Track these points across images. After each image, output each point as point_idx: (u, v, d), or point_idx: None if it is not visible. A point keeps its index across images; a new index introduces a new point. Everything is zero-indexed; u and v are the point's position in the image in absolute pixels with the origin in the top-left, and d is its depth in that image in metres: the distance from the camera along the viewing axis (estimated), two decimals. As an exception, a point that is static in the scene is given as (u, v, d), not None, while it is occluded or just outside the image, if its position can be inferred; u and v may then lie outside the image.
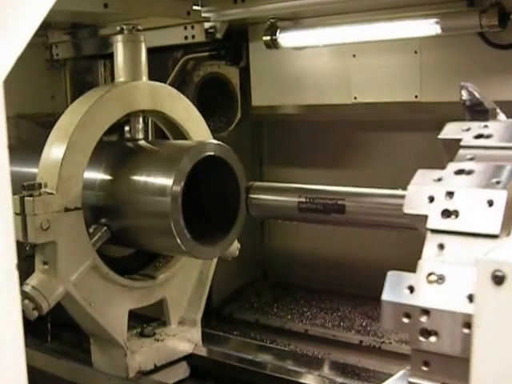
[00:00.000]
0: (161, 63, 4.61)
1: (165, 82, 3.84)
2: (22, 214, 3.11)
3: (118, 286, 3.46)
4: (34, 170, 3.31)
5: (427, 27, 3.69)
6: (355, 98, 4.18)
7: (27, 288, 3.14)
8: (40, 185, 3.14)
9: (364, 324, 4.70)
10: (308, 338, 4.66)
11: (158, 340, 3.67)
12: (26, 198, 3.08)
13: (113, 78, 3.81)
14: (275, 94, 4.47)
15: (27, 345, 1.23)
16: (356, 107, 4.19)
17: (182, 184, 3.16)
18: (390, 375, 1.79)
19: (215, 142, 3.38)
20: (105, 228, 3.39)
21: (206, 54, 4.57)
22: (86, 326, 3.47)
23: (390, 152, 4.67)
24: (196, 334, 3.85)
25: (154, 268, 3.72)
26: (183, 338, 3.78)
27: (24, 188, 3.11)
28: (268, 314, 4.94)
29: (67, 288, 3.21)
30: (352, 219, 3.25)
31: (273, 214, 3.60)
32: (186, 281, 3.81)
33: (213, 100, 4.69)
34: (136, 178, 3.34)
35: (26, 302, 3.13)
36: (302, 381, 3.54)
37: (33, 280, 3.17)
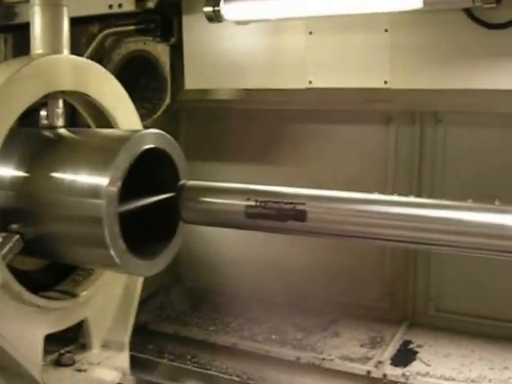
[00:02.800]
0: (72, 39, 3.84)
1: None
2: None
3: (33, 307, 2.71)
4: None
5: (402, 0, 3.05)
6: (310, 82, 3.53)
7: None
8: None
9: (298, 337, 4.11)
10: (236, 353, 4.02)
11: (79, 370, 2.93)
12: None
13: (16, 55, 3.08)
14: (213, 76, 3.75)
15: None
16: (309, 93, 3.54)
17: (120, 184, 2.47)
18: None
19: (155, 130, 2.67)
20: (17, 236, 2.64)
21: (131, 27, 3.80)
22: (-4, 357, 2.72)
23: (332, 147, 4.08)
24: (123, 359, 3.13)
25: (74, 283, 2.97)
26: (109, 366, 3.05)
27: None
28: (188, 325, 4.25)
29: (-30, 315, 2.47)
30: (314, 228, 2.53)
31: (212, 220, 2.78)
32: (110, 297, 3.09)
33: (135, 82, 3.95)
34: (59, 175, 2.59)
35: None
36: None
37: None
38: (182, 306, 4.44)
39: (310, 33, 3.52)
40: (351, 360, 3.85)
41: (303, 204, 2.48)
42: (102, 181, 2.45)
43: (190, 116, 4.37)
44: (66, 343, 3.13)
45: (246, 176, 4.27)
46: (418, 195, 4.04)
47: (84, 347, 3.09)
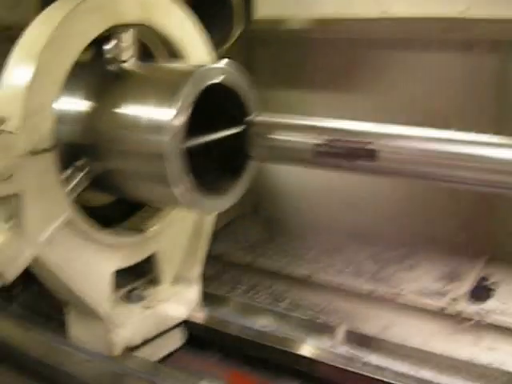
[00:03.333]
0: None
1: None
2: (-25, 158, 2.26)
3: (100, 244, 2.63)
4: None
5: None
6: (384, 12, 3.29)
7: (-15, 253, 2.31)
8: (-2, 122, 2.28)
9: (373, 270, 3.96)
10: (310, 285, 3.90)
11: (148, 307, 2.85)
12: (-19, 140, 2.23)
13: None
14: (285, 4, 3.53)
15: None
16: (385, 22, 3.30)
17: (184, 119, 2.33)
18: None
19: (223, 64, 2.51)
20: (83, 172, 2.55)
21: None
22: (60, 294, 2.65)
23: (406, 75, 3.84)
24: (193, 294, 3.05)
25: (142, 218, 2.87)
26: (178, 302, 2.97)
27: (-22, 126, 2.25)
28: (263, 256, 4.14)
29: (36, 252, 2.39)
30: (384, 168, 2.34)
31: (280, 156, 2.59)
32: (180, 231, 2.98)
33: (205, 10, 3.75)
34: (122, 110, 2.47)
35: (-15, 269, 2.31)
36: (310, 356, 2.80)
37: (-8, 242, 2.33)
38: (258, 236, 4.32)
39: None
40: (425, 295, 3.69)
41: (373, 143, 2.30)
42: (164, 116, 2.33)
43: (263, 44, 4.17)
44: (136, 277, 3.06)
45: (321, 105, 4.11)
46: (498, 130, 3.83)
47: (153, 282, 3.01)
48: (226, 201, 2.58)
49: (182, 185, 2.36)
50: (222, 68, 2.48)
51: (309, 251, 4.12)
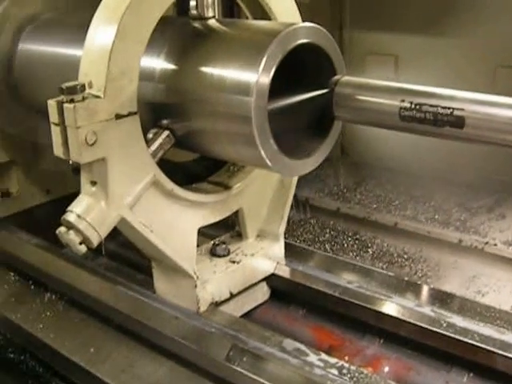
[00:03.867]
0: None
1: None
2: (61, 124, 2.21)
3: (185, 202, 2.58)
4: (79, 53, 2.38)
5: None
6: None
7: (71, 217, 2.28)
8: (83, 86, 2.22)
9: (462, 218, 3.82)
10: (397, 232, 3.79)
11: (233, 262, 2.81)
12: (66, 105, 2.17)
13: None
14: None
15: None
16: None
17: (269, 80, 2.22)
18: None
19: (309, 24, 2.37)
20: (167, 132, 2.48)
21: None
22: (146, 252, 2.63)
23: (500, 18, 3.62)
24: (278, 249, 2.99)
25: (228, 174, 2.81)
26: (263, 257, 2.91)
27: (63, 91, 2.19)
28: (350, 202, 4.04)
29: (122, 213, 2.36)
30: (472, 136, 2.17)
31: (365, 119, 2.45)
32: (265, 187, 2.91)
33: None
34: (207, 69, 2.37)
35: (71, 234, 2.28)
36: (396, 314, 2.71)
37: (78, 206, 2.30)
38: (346, 181, 4.22)
39: None
40: (514, 245, 3.55)
41: (462, 110, 2.14)
42: (250, 77, 2.22)
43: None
44: (220, 230, 3.02)
45: (412, 47, 3.93)
46: None
47: (239, 236, 2.96)
48: (312, 162, 2.48)
49: (267, 146, 2.28)
50: (309, 27, 2.35)
51: (397, 197, 4.02)
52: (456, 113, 2.15)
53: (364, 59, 3.83)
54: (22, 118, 3.42)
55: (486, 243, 3.57)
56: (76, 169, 2.34)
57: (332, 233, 3.89)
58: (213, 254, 2.84)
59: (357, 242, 3.79)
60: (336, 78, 2.43)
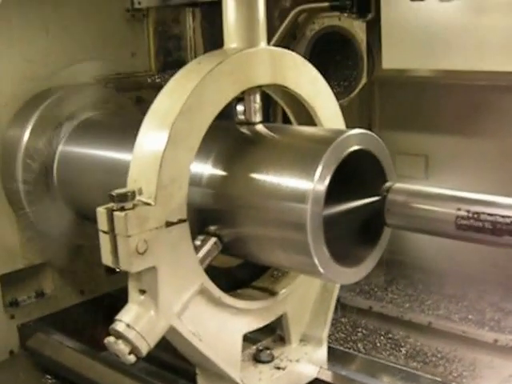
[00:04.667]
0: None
1: (270, 37, 2.73)
2: (110, 232, 2.10)
3: (232, 309, 2.44)
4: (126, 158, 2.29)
5: None
6: (521, 63, 3.00)
7: (120, 327, 2.16)
8: (134, 193, 2.11)
9: (496, 318, 3.66)
10: (431, 331, 3.64)
11: (278, 368, 2.65)
12: (117, 213, 2.07)
13: (204, 30, 2.73)
14: (412, 56, 3.25)
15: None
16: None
17: (325, 188, 2.13)
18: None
19: (361, 131, 2.29)
20: (215, 239, 2.37)
21: (325, 4, 3.37)
22: (192, 358, 2.48)
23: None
24: (322, 354, 2.83)
25: (273, 279, 2.68)
26: (308, 362, 2.75)
27: (113, 198, 2.08)
28: (382, 301, 3.89)
29: (171, 322, 2.23)
30: None
31: (419, 227, 2.32)
32: (309, 292, 2.78)
33: (330, 60, 3.54)
34: (259, 176, 2.28)
35: (120, 344, 2.14)
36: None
37: (127, 315, 2.17)
38: (377, 279, 4.06)
39: (526, 11, 2.98)
40: (552, 346, 3.40)
41: (523, 218, 2.03)
42: (306, 185, 2.13)
43: (385, 91, 3.94)
44: (264, 335, 2.86)
45: (445, 148, 3.84)
46: None
47: (282, 340, 2.81)
48: (363, 270, 2.36)
49: (320, 254, 2.17)
50: (361, 134, 2.27)
51: (429, 296, 3.87)
52: (517, 222, 2.04)
53: (394, 159, 3.75)
54: (60, 219, 3.31)
55: (521, 343, 3.43)
56: (110, 269, 2.21)
57: (364, 332, 3.74)
58: (257, 359, 2.69)
59: (389, 341, 3.64)
60: (388, 184, 2.33)
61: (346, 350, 3.32)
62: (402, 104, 3.93)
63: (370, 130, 3.91)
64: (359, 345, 3.62)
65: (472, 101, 3.61)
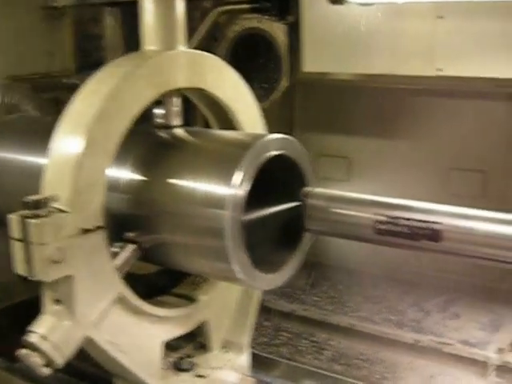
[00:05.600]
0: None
1: (190, 39, 2.69)
2: (23, 240, 2.01)
3: (151, 317, 2.38)
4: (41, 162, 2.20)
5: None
6: (439, 69, 3.03)
7: (34, 338, 2.07)
8: (48, 200, 2.03)
9: (417, 319, 3.69)
10: (354, 334, 3.65)
11: (199, 376, 2.59)
12: (30, 221, 1.98)
13: (124, 30, 2.65)
14: (333, 59, 3.27)
15: None
16: (437, 80, 3.04)
17: (244, 193, 2.09)
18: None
19: (281, 136, 2.26)
20: (134, 246, 2.29)
21: (246, 6, 3.34)
22: (110, 369, 2.40)
23: (451, 122, 3.59)
24: (244, 360, 2.78)
25: (193, 286, 2.62)
26: (230, 369, 2.70)
27: (26, 205, 2.00)
28: (305, 304, 3.88)
29: (87, 332, 2.15)
30: (449, 249, 2.06)
31: (338, 231, 2.31)
32: (230, 297, 2.72)
33: (251, 62, 3.51)
34: (179, 181, 2.22)
35: (34, 357, 2.06)
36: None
37: (41, 326, 2.08)
38: (300, 282, 4.05)
39: (441, 17, 3.01)
40: (471, 345, 3.45)
41: (438, 223, 2.03)
42: (225, 190, 2.09)
43: (306, 94, 3.94)
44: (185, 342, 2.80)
45: (369, 151, 3.87)
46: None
47: (203, 347, 2.75)
48: (283, 276, 2.33)
49: (240, 260, 2.12)
50: (281, 139, 2.24)
51: (352, 298, 3.88)
52: (433, 226, 2.04)
53: (317, 161, 3.75)
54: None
55: (443, 343, 3.47)
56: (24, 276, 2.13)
57: (287, 335, 3.73)
58: (178, 368, 2.62)
59: (313, 344, 3.64)
60: (307, 189, 2.30)
61: (270, 355, 3.28)
62: (324, 107, 3.93)
63: (291, 132, 3.96)
64: (282, 349, 3.60)
65: (391, 104, 3.65)
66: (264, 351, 3.53)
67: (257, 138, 2.21)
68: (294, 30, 3.39)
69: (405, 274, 3.93)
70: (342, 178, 3.96)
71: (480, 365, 3.35)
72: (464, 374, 3.35)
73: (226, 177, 2.09)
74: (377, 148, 3.81)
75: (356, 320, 3.69)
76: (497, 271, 3.73)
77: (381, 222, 2.12)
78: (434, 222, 2.05)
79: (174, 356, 2.68)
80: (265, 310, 3.83)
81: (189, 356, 2.68)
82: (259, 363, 2.91)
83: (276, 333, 3.74)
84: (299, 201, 2.28)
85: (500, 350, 3.37)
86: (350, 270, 4.02)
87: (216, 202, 2.10)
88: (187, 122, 2.57)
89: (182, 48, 2.41)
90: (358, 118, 3.79)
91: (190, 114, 3.05)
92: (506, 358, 3.31)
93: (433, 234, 2.05)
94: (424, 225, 2.05)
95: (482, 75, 3.03)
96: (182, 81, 2.37)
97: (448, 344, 3.45)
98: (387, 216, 2.11)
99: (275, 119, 3.90)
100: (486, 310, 3.75)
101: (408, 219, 2.08)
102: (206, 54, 2.48)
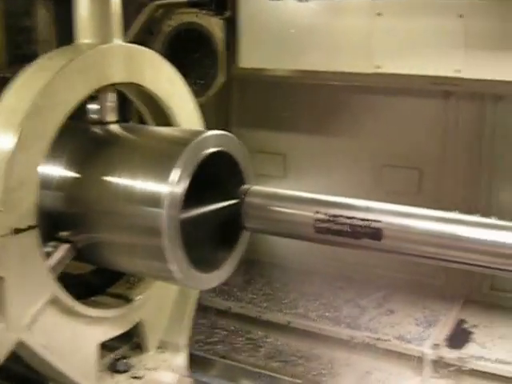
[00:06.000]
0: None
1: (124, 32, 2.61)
2: (-48, 240, 1.93)
3: (86, 318, 2.31)
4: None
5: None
6: (378, 67, 3.02)
7: (-37, 342, 1.99)
8: (-23, 199, 1.95)
9: (353, 315, 3.69)
10: (290, 331, 3.62)
11: (135, 377, 2.53)
12: (-43, 221, 1.90)
13: (57, 23, 2.58)
14: (270, 55, 3.23)
15: None
16: (375, 77, 3.04)
17: (182, 192, 2.04)
18: None
19: (218, 132, 2.21)
20: (68, 246, 2.22)
21: (183, 0, 3.27)
22: (44, 372, 2.32)
23: (387, 119, 3.60)
24: (181, 361, 2.73)
25: (128, 285, 2.55)
26: (167, 369, 2.65)
27: (-45, 204, 1.92)
28: (241, 301, 3.84)
29: (19, 335, 2.07)
30: (390, 247, 2.06)
31: (277, 230, 2.28)
32: (166, 297, 2.67)
33: (187, 57, 3.44)
34: (113, 178, 2.16)
35: (-36, 362, 1.98)
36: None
37: (-29, 330, 2.01)
38: (235, 280, 4.00)
39: (379, 14, 3.01)
40: (407, 341, 3.45)
41: (379, 221, 2.02)
42: (162, 188, 2.03)
43: (243, 90, 3.90)
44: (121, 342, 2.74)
45: (306, 148, 3.85)
46: (478, 172, 3.61)
47: (139, 348, 2.69)
48: (221, 275, 2.29)
49: (178, 260, 2.07)
50: (219, 135, 2.19)
51: (288, 295, 3.86)
52: (374, 225, 2.02)
53: (253, 158, 3.72)
54: None
55: (378, 339, 3.47)
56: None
57: (223, 333, 3.68)
58: (114, 369, 2.56)
59: (249, 341, 3.60)
60: (246, 187, 2.26)
61: (207, 355, 3.24)
62: (260, 103, 3.90)
63: (227, 128, 3.91)
64: (218, 346, 3.55)
65: (327, 101, 3.63)
66: (200, 349, 3.49)
67: (195, 134, 2.16)
68: (231, 26, 3.35)
69: (340, 270, 3.92)
70: (278, 175, 3.93)
71: (416, 360, 3.37)
72: (400, 370, 3.35)
73: (163, 174, 2.04)
74: (313, 145, 3.79)
75: (292, 317, 3.66)
76: (430, 267, 3.75)
77: (321, 221, 2.09)
78: (376, 221, 2.03)
79: (110, 357, 2.62)
80: (201, 308, 3.75)
81: (125, 357, 2.62)
82: (196, 363, 2.86)
83: (212, 330, 3.68)
84: (238, 199, 2.24)
85: (435, 346, 3.38)
86: (286, 267, 4.00)
87: (153, 200, 2.05)
88: (124, 118, 2.51)
89: (118, 41, 2.34)
90: (295, 115, 3.76)
91: (124, 110, 3.00)
92: (442, 353, 3.33)
93: (374, 233, 2.03)
94: (366, 223, 2.03)
95: (418, 73, 3.04)
96: (117, 75, 2.30)
97: (384, 340, 3.46)
98: (327, 214, 2.08)
99: (211, 115, 3.87)
100: (420, 305, 3.77)
101: (349, 217, 2.05)
102: (142, 48, 2.42)
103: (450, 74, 2.97)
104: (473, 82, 3.02)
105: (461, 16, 2.87)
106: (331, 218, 2.07)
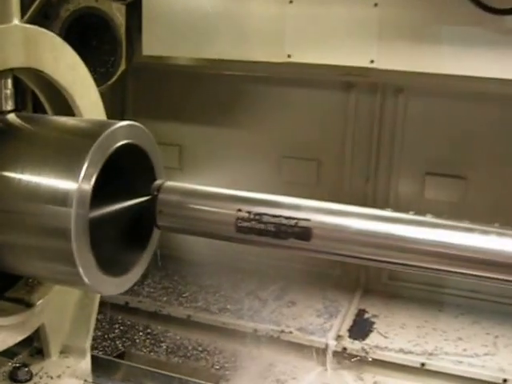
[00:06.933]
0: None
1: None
2: None
3: (-19, 326, 2.01)
4: None
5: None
6: (289, 56, 2.83)
7: None
8: None
9: (255, 308, 3.51)
10: (191, 324, 3.41)
11: (38, 387, 2.25)
12: None
13: None
14: (174, 43, 2.96)
15: None
16: (284, 67, 2.84)
17: (91, 188, 1.77)
18: None
19: (128, 122, 1.95)
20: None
21: (83, -18, 2.98)
22: None
23: (287, 110, 3.44)
24: (85, 365, 2.45)
25: (28, 288, 2.25)
26: (71, 376, 2.37)
27: None
28: (139, 295, 3.59)
29: None
30: (320, 247, 1.84)
31: (194, 229, 2.02)
32: (68, 299, 2.39)
33: (86, 44, 3.14)
34: (14, 174, 1.86)
35: None
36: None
37: None
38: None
39: (291, 1, 2.81)
40: (310, 332, 3.32)
41: (308, 220, 1.81)
42: (70, 185, 1.76)
43: (139, 79, 3.64)
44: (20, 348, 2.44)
45: (202, 139, 3.66)
46: (376, 163, 3.52)
47: (40, 353, 2.40)
48: (130, 279, 2.03)
49: (87, 263, 1.81)
50: (129, 126, 1.93)
51: (187, 288, 3.64)
52: (302, 223, 1.82)
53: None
54: None
55: (282, 331, 3.32)
56: None
57: (122, 328, 3.43)
58: (14, 379, 2.26)
59: (149, 336, 3.37)
60: (158, 182, 2.01)
61: (111, 358, 2.99)
62: (157, 93, 3.68)
63: (122, 118, 3.63)
64: (117, 342, 3.33)
65: (229, 91, 3.45)
66: (99, 345, 3.25)
67: (104, 126, 1.89)
68: (134, 12, 3.07)
69: (240, 262, 3.74)
70: (174, 166, 3.71)
71: (319, 352, 3.24)
72: (304, 361, 3.22)
73: (71, 170, 1.77)
74: (212, 136, 3.60)
75: (192, 310, 3.45)
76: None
77: (243, 219, 1.87)
78: (303, 219, 1.82)
79: (9, 365, 2.32)
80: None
81: (25, 365, 2.32)
82: (101, 367, 2.60)
83: (110, 326, 3.43)
84: (150, 195, 1.99)
85: (339, 337, 3.27)
86: (185, 260, 3.76)
87: (59, 199, 1.77)
88: (17, 107, 2.20)
89: (17, 22, 2.03)
90: (194, 105, 3.55)
91: (18, 97, 2.68)
92: (345, 344, 3.21)
93: (303, 232, 1.82)
94: (293, 222, 1.82)
95: (330, 62, 2.88)
96: (15, 60, 2.00)
97: (286, 332, 3.31)
98: (251, 213, 1.86)
99: (106, 105, 3.60)
100: (320, 296, 3.64)
101: (275, 216, 1.84)
102: (43, 30, 2.11)
103: (364, 64, 2.83)
104: (386, 73, 2.90)
105: (376, 5, 2.73)
106: (255, 217, 1.85)
